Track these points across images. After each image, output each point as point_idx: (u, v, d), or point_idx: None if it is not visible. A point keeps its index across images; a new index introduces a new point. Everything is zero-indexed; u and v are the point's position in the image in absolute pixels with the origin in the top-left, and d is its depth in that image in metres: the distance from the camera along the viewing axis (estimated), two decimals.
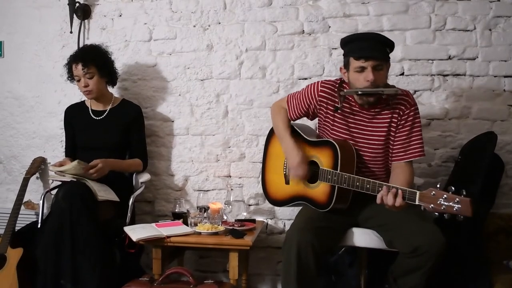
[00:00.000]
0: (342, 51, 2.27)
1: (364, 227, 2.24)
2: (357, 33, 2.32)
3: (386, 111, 2.22)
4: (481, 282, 2.31)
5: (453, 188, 1.76)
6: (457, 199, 1.74)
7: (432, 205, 1.79)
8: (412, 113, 2.21)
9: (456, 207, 1.73)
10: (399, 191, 1.90)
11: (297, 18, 2.90)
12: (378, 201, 1.95)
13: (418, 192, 1.86)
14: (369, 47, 2.11)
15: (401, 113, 2.21)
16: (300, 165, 2.24)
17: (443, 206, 1.76)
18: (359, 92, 2.14)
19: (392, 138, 2.23)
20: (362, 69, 2.11)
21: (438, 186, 1.82)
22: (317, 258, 2.04)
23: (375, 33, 2.26)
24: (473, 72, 2.77)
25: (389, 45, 2.18)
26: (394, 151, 2.23)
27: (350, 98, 2.24)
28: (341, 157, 2.13)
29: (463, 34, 2.77)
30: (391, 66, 2.29)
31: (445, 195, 1.77)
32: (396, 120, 2.21)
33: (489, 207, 2.55)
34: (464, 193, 1.73)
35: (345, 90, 2.22)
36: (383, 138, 2.22)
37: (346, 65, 2.20)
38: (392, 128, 2.22)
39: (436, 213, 1.79)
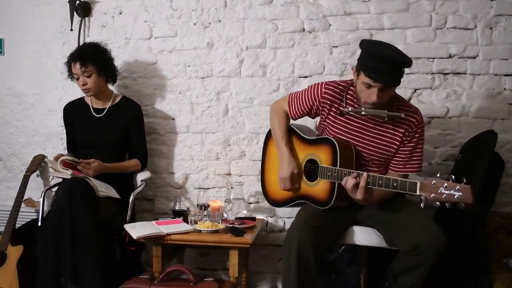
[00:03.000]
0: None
1: (365, 225, 2.25)
2: (379, 49, 2.09)
3: (390, 121, 2.19)
4: (481, 280, 2.31)
5: (453, 176, 1.77)
6: (457, 187, 1.74)
7: (433, 194, 1.79)
8: (419, 130, 2.20)
9: (457, 195, 1.74)
10: (364, 174, 1.98)
11: (297, 16, 2.90)
12: (342, 183, 2.05)
13: (418, 182, 1.86)
14: (383, 71, 2.00)
15: (409, 130, 2.19)
16: (287, 179, 2.29)
17: (444, 195, 1.76)
18: (363, 113, 2.13)
19: (393, 151, 2.21)
20: (369, 86, 2.07)
21: (438, 175, 1.82)
22: (317, 257, 2.04)
23: (394, 55, 2.03)
24: (473, 71, 2.77)
25: (406, 65, 2.06)
26: (393, 162, 2.24)
27: (355, 101, 2.22)
28: (340, 153, 2.13)
29: (463, 32, 2.76)
30: None
31: (445, 184, 1.77)
32: (401, 135, 2.19)
33: (489, 205, 2.55)
34: (465, 180, 1.73)
35: (350, 109, 2.17)
36: (385, 144, 2.21)
37: (358, 71, 2.13)
38: (397, 138, 2.19)
39: (438, 203, 1.79)
